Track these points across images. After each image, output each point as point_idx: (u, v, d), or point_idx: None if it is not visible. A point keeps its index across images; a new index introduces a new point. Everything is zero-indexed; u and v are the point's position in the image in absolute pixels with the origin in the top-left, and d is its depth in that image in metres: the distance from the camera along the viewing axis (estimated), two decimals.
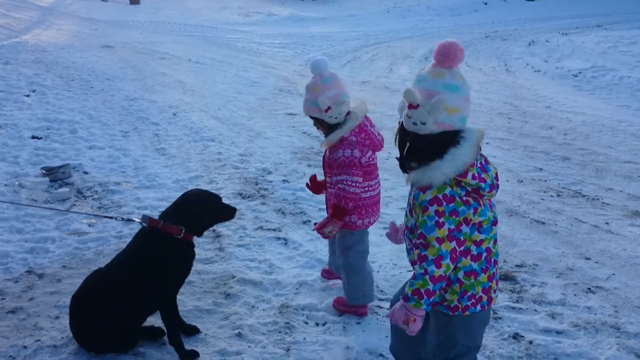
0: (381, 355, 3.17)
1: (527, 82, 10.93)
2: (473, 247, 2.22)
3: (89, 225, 4.74)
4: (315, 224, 3.58)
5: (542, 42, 15.28)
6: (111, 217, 4.18)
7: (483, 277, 2.26)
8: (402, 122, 2.20)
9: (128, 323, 3.07)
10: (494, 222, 2.25)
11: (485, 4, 26.03)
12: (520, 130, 7.72)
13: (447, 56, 2.08)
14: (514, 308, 3.62)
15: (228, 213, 3.33)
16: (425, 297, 2.15)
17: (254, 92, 10.54)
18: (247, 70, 12.80)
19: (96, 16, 24.27)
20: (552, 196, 5.45)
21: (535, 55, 13.55)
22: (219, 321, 3.45)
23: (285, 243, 4.54)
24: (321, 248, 4.40)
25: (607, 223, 4.83)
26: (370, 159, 3.31)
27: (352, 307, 3.53)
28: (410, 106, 2.12)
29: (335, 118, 3.21)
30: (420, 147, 2.17)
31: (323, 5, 29.39)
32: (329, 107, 3.16)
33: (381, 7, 27.00)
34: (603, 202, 5.27)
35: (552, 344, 3.25)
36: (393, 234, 2.75)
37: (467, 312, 2.30)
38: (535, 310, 3.60)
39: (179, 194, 5.32)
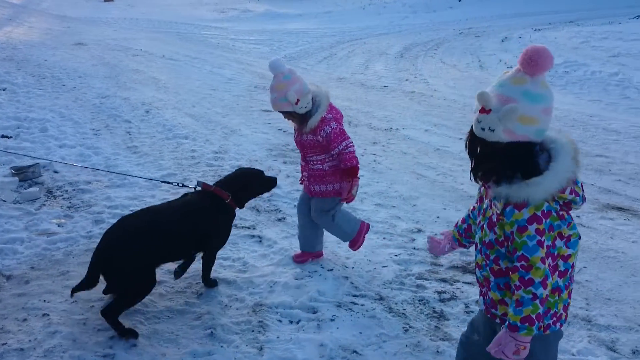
0: (355, 352, 3.17)
1: None
2: (560, 263, 2.07)
3: (59, 226, 4.65)
4: (341, 196, 3.86)
5: (515, 38, 15.43)
6: (170, 183, 4.20)
7: (565, 294, 2.12)
8: (472, 126, 2.04)
9: (158, 260, 3.42)
10: (580, 236, 2.12)
11: (460, 0, 26.20)
12: None
13: (532, 62, 1.92)
14: None
15: (270, 184, 3.99)
16: (536, 322, 1.99)
17: (229, 89, 10.47)
18: (222, 67, 12.71)
19: (69, 13, 23.89)
20: None
21: (508, 52, 13.67)
22: (191, 321, 3.41)
23: (260, 241, 4.52)
24: (296, 245, 4.38)
25: (579, 217, 4.89)
26: None
27: (359, 233, 4.06)
28: (483, 110, 1.97)
29: (305, 107, 3.66)
30: (484, 156, 2.05)
31: (299, 2, 29.30)
32: (298, 100, 3.59)
33: (357, 4, 27.03)
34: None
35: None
36: (435, 247, 2.66)
37: (547, 331, 2.13)
38: None
39: (151, 192, 5.33)
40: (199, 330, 3.33)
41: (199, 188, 3.71)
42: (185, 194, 3.75)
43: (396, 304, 3.64)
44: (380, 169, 6.17)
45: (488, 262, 2.17)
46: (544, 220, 1.97)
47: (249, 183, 3.83)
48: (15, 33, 16.61)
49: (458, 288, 3.82)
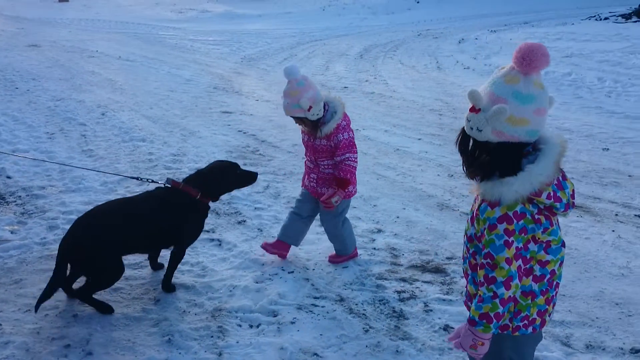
0: (315, 354, 3.17)
1: (457, 79, 11.20)
2: (537, 267, 2.05)
3: (11, 232, 4.52)
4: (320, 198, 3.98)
5: (472, 39, 15.70)
6: (139, 179, 4.12)
7: (541, 300, 2.09)
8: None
9: (125, 250, 3.52)
10: (563, 243, 2.08)
11: (418, 2, 26.52)
12: (450, 126, 7.89)
13: (526, 61, 1.88)
14: (444, 300, 3.70)
15: (249, 178, 3.97)
16: (494, 320, 1.99)
17: (187, 90, 10.35)
18: (181, 68, 12.56)
19: (22, 14, 23.26)
20: None
21: (465, 53, 13.90)
22: (148, 328, 3.36)
23: (219, 244, 4.48)
24: (256, 248, 4.36)
25: None
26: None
27: (349, 256, 4.19)
28: (472, 109, 1.95)
29: (317, 114, 3.74)
30: (473, 155, 2.03)
31: (258, 2, 29.18)
32: (310, 107, 3.67)
33: (317, 5, 27.07)
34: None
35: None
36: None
37: (516, 333, 2.14)
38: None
39: (107, 197, 5.22)
40: (157, 337, 3.27)
41: (168, 185, 3.68)
42: (157, 188, 3.75)
43: (356, 304, 3.66)
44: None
45: (468, 255, 2.19)
46: (515, 221, 1.94)
47: (221, 178, 3.82)
48: None
49: (417, 287, 3.86)
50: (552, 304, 2.15)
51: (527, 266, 2.03)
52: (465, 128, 2.02)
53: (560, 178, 2.01)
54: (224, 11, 25.73)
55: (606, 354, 3.18)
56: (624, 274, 4.02)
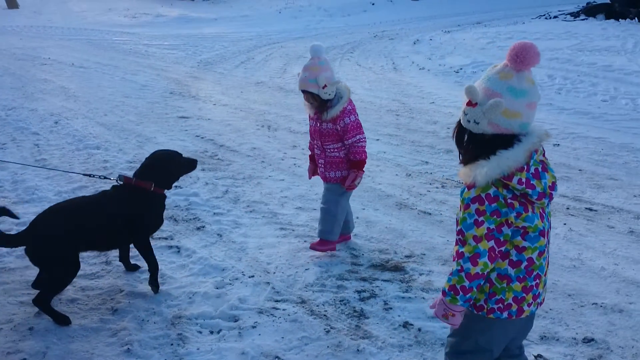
0: (277, 357, 3.17)
1: (413, 80, 11.35)
2: (513, 252, 2.16)
3: None
4: (344, 183, 4.17)
5: (427, 40, 15.93)
6: (92, 176, 4.26)
7: (517, 286, 2.19)
8: (460, 117, 2.16)
9: (83, 247, 3.57)
10: (542, 233, 2.17)
11: (373, 4, 26.76)
12: (407, 126, 8.00)
13: (518, 58, 2.01)
14: (403, 297, 3.75)
15: (191, 166, 3.99)
16: (461, 293, 2.15)
17: (143, 96, 10.20)
18: (136, 74, 12.37)
19: None
20: (437, 187, 5.70)
21: (420, 54, 14.09)
22: (106, 339, 3.30)
23: (178, 251, 4.43)
24: (216, 254, 4.34)
25: None
26: None
27: (330, 244, 4.27)
28: (469, 103, 2.08)
29: (329, 95, 3.92)
30: (472, 145, 2.15)
31: (214, 6, 28.98)
32: (325, 85, 3.86)
33: (273, 8, 27.04)
34: None
35: (439, 330, 3.38)
36: None
37: (491, 315, 2.25)
38: (424, 298, 3.75)
39: None
40: (116, 348, 3.23)
41: (120, 182, 3.71)
42: (112, 187, 3.77)
43: (317, 306, 3.68)
44: (301, 172, 6.19)
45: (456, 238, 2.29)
46: (486, 202, 2.07)
47: (169, 166, 3.85)
48: None
49: (377, 286, 3.90)
50: (532, 294, 2.23)
51: (503, 249, 2.14)
52: (462, 121, 2.15)
53: (540, 168, 2.12)
54: (178, 15, 25.44)
55: (560, 344, 3.27)
56: (576, 266, 4.15)
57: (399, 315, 3.56)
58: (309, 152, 4.43)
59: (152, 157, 3.86)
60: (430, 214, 5.09)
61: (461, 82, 10.96)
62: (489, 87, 2.07)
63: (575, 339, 3.31)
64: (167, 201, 5.26)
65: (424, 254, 4.36)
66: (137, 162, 6.44)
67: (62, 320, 3.42)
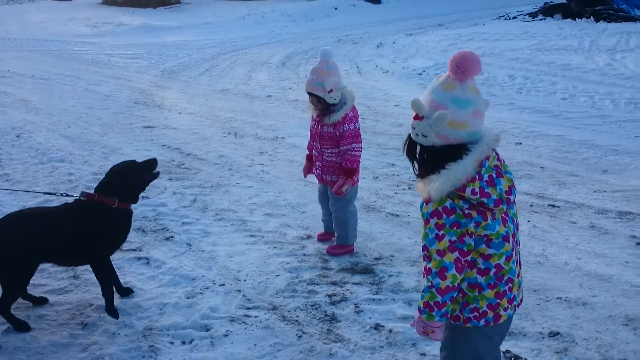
0: None
1: (377, 83, 11.46)
2: (480, 261, 2.17)
3: None
4: (331, 187, 4.26)
5: (390, 43, 16.10)
6: (52, 194, 4.22)
7: (489, 293, 2.19)
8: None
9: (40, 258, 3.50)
10: (506, 238, 2.16)
11: (336, 8, 26.89)
12: (373, 129, 8.08)
13: (458, 68, 2.03)
14: (373, 300, 3.80)
15: (151, 167, 3.80)
16: (435, 309, 2.14)
17: (107, 107, 10.07)
18: (99, 84, 12.20)
19: None
20: (404, 189, 5.78)
21: (383, 57, 14.24)
22: (77, 354, 3.27)
23: (147, 262, 4.40)
24: (185, 263, 4.33)
25: None
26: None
27: (347, 247, 4.42)
28: (416, 116, 2.09)
29: (334, 99, 4.02)
30: (422, 159, 2.16)
31: (176, 14, 28.75)
32: (331, 90, 3.95)
33: (236, 15, 26.95)
34: None
35: (410, 330, 3.43)
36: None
37: (468, 324, 2.26)
38: (393, 299, 3.80)
39: None
40: None
41: (83, 198, 3.59)
42: (75, 201, 3.68)
43: (289, 311, 3.70)
44: (269, 179, 6.21)
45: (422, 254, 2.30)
46: (444, 215, 2.08)
47: (129, 179, 3.70)
48: None
49: (348, 289, 3.94)
50: (506, 299, 2.23)
51: (469, 258, 2.14)
52: (411, 135, 2.16)
53: (494, 174, 2.12)
54: (140, 24, 25.16)
55: (527, 339, 3.36)
56: (540, 262, 4.25)
57: (370, 318, 3.60)
58: (307, 152, 4.53)
59: (110, 172, 3.73)
60: (398, 215, 5.16)
61: (424, 85, 11.12)
62: (433, 99, 2.08)
63: (541, 333, 3.40)
64: (135, 212, 5.25)
65: (393, 256, 4.41)
66: (102, 173, 6.33)
67: (20, 326, 3.45)
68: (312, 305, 3.76)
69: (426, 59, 12.98)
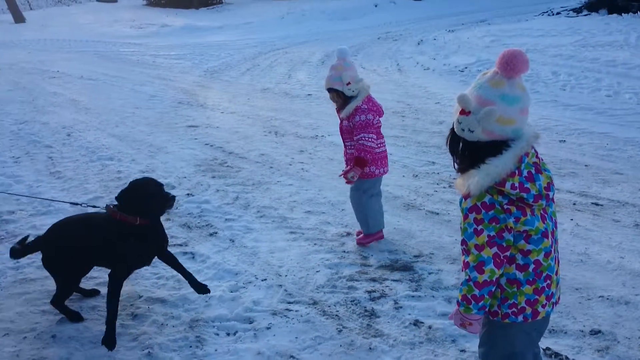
0: (292, 356, 3.28)
1: (417, 80, 11.44)
2: (519, 256, 2.20)
3: None
4: (341, 172, 4.40)
5: (430, 40, 16.01)
6: (77, 204, 4.24)
7: (528, 289, 2.22)
8: (453, 126, 2.21)
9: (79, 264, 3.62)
10: (545, 234, 2.19)
11: (376, 6, 26.84)
12: (413, 127, 8.10)
13: (508, 65, 2.06)
14: (413, 296, 3.85)
15: (167, 204, 3.56)
16: (473, 302, 2.19)
17: (152, 107, 10.36)
18: (144, 84, 12.54)
19: None
20: (444, 187, 5.79)
21: (424, 54, 14.18)
22: (127, 343, 3.43)
23: (193, 257, 4.55)
24: (229, 258, 4.46)
25: None
26: (378, 122, 4.38)
27: (372, 236, 4.61)
28: (462, 112, 2.12)
29: (353, 91, 4.25)
30: (465, 154, 2.20)
31: (218, 14, 29.19)
32: (349, 82, 4.20)
33: (276, 14, 27.18)
34: None
35: (450, 327, 3.47)
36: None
37: (506, 320, 2.29)
38: (433, 296, 3.84)
39: None
40: (137, 351, 3.35)
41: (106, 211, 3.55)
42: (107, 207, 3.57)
43: (329, 306, 3.78)
44: (309, 177, 6.31)
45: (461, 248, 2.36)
46: (483, 210, 2.12)
47: (151, 202, 3.47)
48: None
49: (387, 286, 4.00)
50: (544, 295, 2.25)
51: (508, 254, 2.18)
52: (455, 129, 2.19)
53: (533, 171, 2.15)
54: (183, 25, 25.65)
55: (568, 337, 3.36)
56: (583, 260, 4.23)
57: (409, 314, 3.66)
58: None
59: (133, 189, 3.48)
60: (437, 213, 5.18)
61: (466, 81, 11.05)
62: (481, 95, 2.10)
63: (582, 331, 3.40)
64: (180, 209, 5.44)
65: (433, 253, 4.45)
66: (150, 171, 6.60)
67: (74, 316, 3.66)
68: (351, 301, 3.83)
69: (468, 56, 12.88)
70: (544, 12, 19.66)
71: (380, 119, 4.42)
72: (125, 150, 7.56)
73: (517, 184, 2.10)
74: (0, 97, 11.20)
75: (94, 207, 3.87)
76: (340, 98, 4.30)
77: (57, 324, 3.61)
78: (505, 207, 2.12)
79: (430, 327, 3.51)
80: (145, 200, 3.43)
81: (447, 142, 2.29)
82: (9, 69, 14.99)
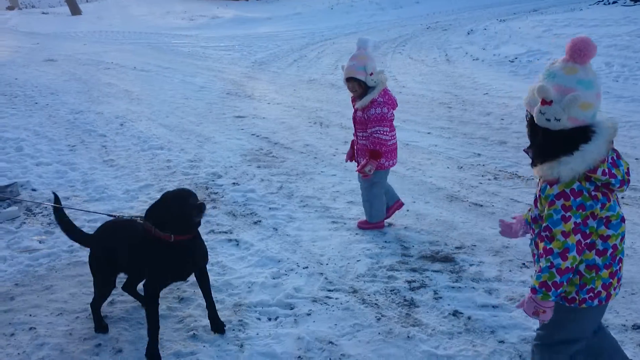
0: (330, 342, 3.35)
1: (466, 71, 11.29)
2: (599, 242, 2.24)
3: (40, 242, 4.77)
4: (357, 167, 4.58)
5: (481, 30, 15.73)
6: (112, 215, 3.81)
7: (605, 273, 2.27)
8: (534, 117, 2.21)
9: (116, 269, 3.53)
10: (623, 219, 2.26)
11: None
12: (460, 119, 8.02)
13: (581, 52, 2.09)
14: (453, 287, 3.85)
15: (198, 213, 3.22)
16: (553, 289, 2.20)
17: (201, 97, 10.60)
18: (194, 76, 12.82)
19: (37, 29, 23.77)
20: (489, 179, 5.74)
21: (474, 44, 13.96)
22: (173, 325, 3.57)
23: (237, 244, 4.68)
24: (272, 246, 4.56)
25: None
26: (392, 115, 4.44)
27: (374, 224, 4.74)
28: (544, 102, 2.13)
29: (374, 82, 4.30)
30: (553, 143, 2.19)
31: (268, 5, 29.43)
32: (372, 73, 4.25)
33: (325, 4, 27.22)
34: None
35: (489, 318, 3.48)
36: (507, 230, 2.73)
37: (583, 305, 2.32)
38: (473, 287, 3.84)
39: (129, 204, 5.45)
40: (182, 333, 3.49)
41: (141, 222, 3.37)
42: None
43: (369, 295, 3.83)
44: (352, 168, 6.31)
45: (533, 236, 2.41)
46: (572, 197, 2.14)
47: (183, 217, 3.19)
48: None
49: (427, 276, 4.02)
50: (616, 278, 2.32)
51: (589, 241, 2.21)
52: (537, 121, 2.19)
53: (615, 157, 2.20)
54: (233, 16, 26.00)
55: (609, 331, 3.31)
56: (629, 255, 4.13)
57: (449, 304, 3.67)
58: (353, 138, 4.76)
59: (166, 206, 3.21)
60: (481, 205, 5.15)
61: (516, 72, 10.85)
62: (559, 83, 2.13)
63: (624, 325, 3.35)
64: (226, 197, 5.58)
65: (475, 245, 4.44)
66: (198, 160, 6.78)
67: (100, 326, 3.54)
68: (391, 290, 3.88)
69: (519, 46, 12.62)
70: (599, 1, 18.99)
71: (394, 111, 4.48)
72: (175, 140, 7.78)
73: (606, 170, 2.14)
74: (57, 87, 11.65)
75: (135, 217, 3.67)
76: (361, 88, 4.34)
77: (107, 305, 3.79)
78: (592, 193, 2.16)
79: (469, 318, 3.51)
80: (174, 219, 3.18)
81: (528, 134, 2.31)
82: (65, 60, 15.55)
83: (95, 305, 3.57)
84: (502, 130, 7.39)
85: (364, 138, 4.48)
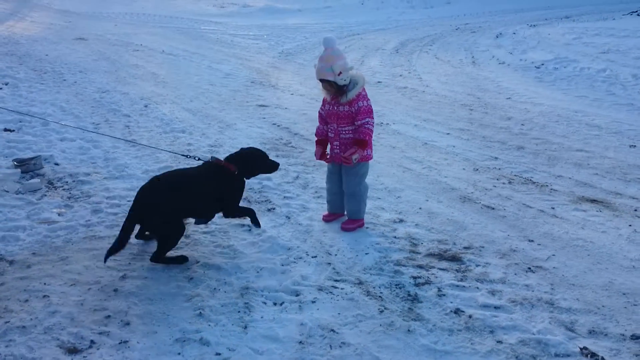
0: (332, 330, 3.43)
1: (491, 74, 11.25)
2: None
3: (59, 215, 4.91)
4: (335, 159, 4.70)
5: (510, 34, 15.63)
6: (187, 156, 4.79)
7: None
8: None
9: (183, 214, 4.20)
10: None
11: None
12: (480, 121, 8.02)
13: None
14: (457, 286, 3.91)
15: (272, 168, 4.61)
16: None
17: (226, 84, 10.71)
18: (221, 62, 12.94)
19: (71, 8, 24.10)
20: (504, 183, 5.76)
21: (501, 48, 13.88)
22: (181, 303, 3.68)
23: (250, 230, 4.77)
24: (283, 234, 4.65)
25: (553, 208, 5.14)
26: None
27: (359, 221, 4.78)
28: None
29: (344, 80, 4.37)
30: None
31: None
32: (340, 72, 4.30)
33: None
34: (551, 189, 5.59)
35: (490, 318, 3.53)
36: None
37: None
38: (477, 287, 3.89)
39: None
40: (189, 311, 3.59)
41: (212, 161, 4.35)
42: (205, 163, 4.39)
43: (374, 287, 3.90)
44: (369, 163, 6.39)
45: None
46: None
47: (253, 162, 4.47)
48: (17, 28, 16.83)
49: (433, 274, 4.07)
50: None
51: None
52: None
53: None
54: (264, 6, 26.11)
55: (607, 339, 3.34)
56: (635, 267, 4.15)
57: (451, 302, 3.72)
58: (316, 138, 4.84)
59: (246, 150, 4.51)
60: (493, 208, 5.18)
61: (541, 78, 10.79)
62: None
63: (623, 335, 3.37)
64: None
65: (483, 247, 4.48)
66: (218, 146, 6.89)
67: (180, 259, 4.16)
68: (396, 285, 3.94)
69: (546, 52, 12.53)
70: (634, 12, 18.73)
71: None
72: (197, 124, 7.90)
73: None
74: (86, 66, 11.85)
75: (200, 159, 4.53)
76: (333, 87, 4.42)
77: (119, 280, 3.91)
78: None
79: (470, 317, 3.57)
80: (257, 168, 4.51)
81: None
82: (96, 40, 15.79)
83: (162, 257, 4.11)
84: (521, 135, 7.39)
85: (349, 132, 4.56)
